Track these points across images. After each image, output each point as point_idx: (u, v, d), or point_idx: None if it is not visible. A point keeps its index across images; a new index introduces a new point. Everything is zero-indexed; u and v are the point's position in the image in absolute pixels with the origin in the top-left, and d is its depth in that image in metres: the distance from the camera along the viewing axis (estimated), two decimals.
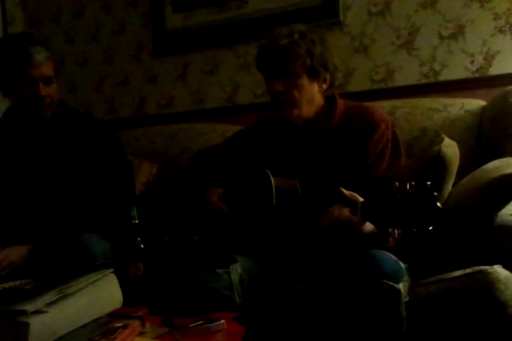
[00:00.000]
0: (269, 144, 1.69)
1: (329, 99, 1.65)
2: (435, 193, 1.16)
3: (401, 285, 1.31)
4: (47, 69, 1.82)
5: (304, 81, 1.58)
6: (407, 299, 1.33)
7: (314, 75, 1.59)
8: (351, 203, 1.33)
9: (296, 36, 1.57)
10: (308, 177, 1.54)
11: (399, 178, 1.28)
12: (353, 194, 1.35)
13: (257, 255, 1.58)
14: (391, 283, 1.28)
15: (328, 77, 1.61)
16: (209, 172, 1.78)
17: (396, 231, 1.39)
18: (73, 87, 3.11)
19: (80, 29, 3.09)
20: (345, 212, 1.35)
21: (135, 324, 1.16)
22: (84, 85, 3.09)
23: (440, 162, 1.61)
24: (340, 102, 1.66)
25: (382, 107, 1.89)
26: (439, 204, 1.15)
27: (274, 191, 1.51)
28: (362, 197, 1.33)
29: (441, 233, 1.20)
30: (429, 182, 1.17)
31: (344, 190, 1.36)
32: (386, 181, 1.25)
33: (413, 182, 1.19)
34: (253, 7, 2.56)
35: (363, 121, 1.59)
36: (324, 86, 1.62)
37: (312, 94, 1.61)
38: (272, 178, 1.53)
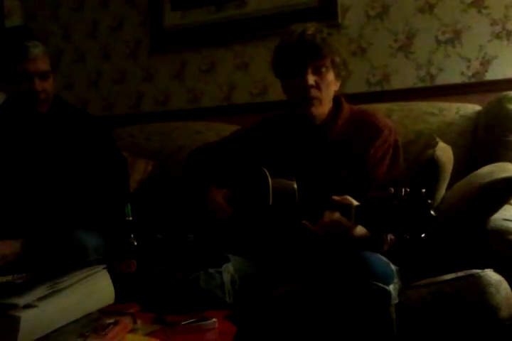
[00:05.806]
0: (275, 143, 1.67)
1: (335, 101, 1.65)
2: (429, 201, 1.16)
3: (391, 287, 1.31)
4: (43, 64, 1.82)
5: (331, 78, 1.57)
6: (396, 301, 1.33)
7: (338, 73, 1.58)
8: (344, 207, 1.33)
9: (325, 33, 1.55)
10: (306, 179, 1.53)
11: (395, 184, 1.28)
12: (346, 198, 1.34)
13: (250, 254, 1.58)
14: (381, 285, 1.29)
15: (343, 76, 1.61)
16: (208, 169, 1.77)
17: (389, 237, 1.39)
18: (69, 83, 3.10)
19: (78, 25, 3.08)
20: (336, 214, 1.34)
21: (126, 320, 1.17)
22: (81, 81, 3.08)
23: (434, 165, 1.62)
24: (346, 106, 1.65)
25: (378, 110, 1.89)
26: (432, 212, 1.15)
27: (271, 191, 1.51)
28: (357, 200, 1.32)
29: (433, 238, 1.21)
30: (423, 190, 1.17)
31: (336, 198, 1.35)
32: (381, 186, 1.25)
33: (408, 189, 1.19)
34: (252, 7, 2.56)
35: (367, 126, 1.59)
36: (338, 85, 1.61)
37: (332, 93, 1.60)
38: (269, 178, 1.53)
